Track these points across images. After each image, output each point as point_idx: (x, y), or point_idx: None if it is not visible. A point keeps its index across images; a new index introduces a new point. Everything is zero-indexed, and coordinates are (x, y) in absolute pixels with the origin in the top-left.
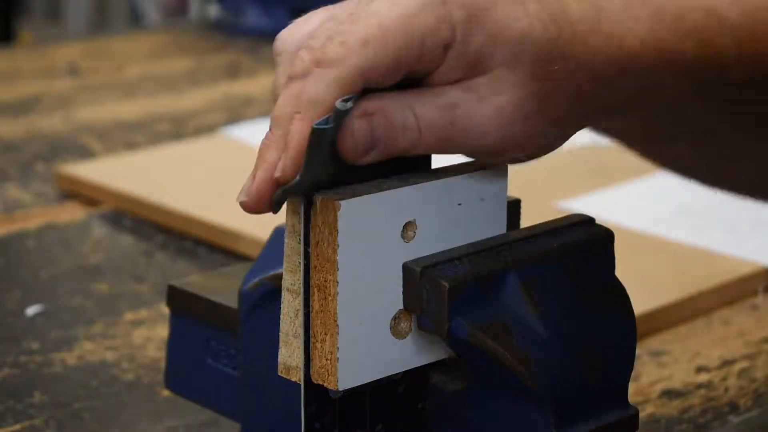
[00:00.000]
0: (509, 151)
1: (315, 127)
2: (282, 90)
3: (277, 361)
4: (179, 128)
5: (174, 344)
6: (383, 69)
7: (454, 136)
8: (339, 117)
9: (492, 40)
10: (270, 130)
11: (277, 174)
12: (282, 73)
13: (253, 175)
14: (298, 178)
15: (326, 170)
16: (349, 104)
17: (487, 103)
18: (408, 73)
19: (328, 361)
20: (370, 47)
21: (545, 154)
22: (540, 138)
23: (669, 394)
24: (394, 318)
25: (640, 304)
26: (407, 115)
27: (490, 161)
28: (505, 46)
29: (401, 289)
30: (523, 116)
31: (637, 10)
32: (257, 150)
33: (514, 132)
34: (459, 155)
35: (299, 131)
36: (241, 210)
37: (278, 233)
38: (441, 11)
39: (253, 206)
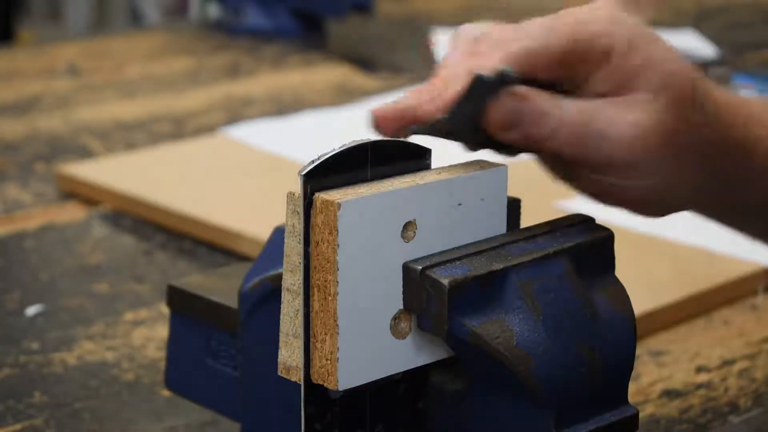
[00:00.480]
0: (632, 173)
1: (478, 73)
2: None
3: (277, 361)
4: (179, 128)
5: (174, 344)
6: (550, 55)
7: (589, 136)
8: (501, 79)
9: (647, 65)
10: (428, 82)
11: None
12: (457, 48)
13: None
14: (441, 116)
15: (466, 127)
16: (511, 70)
17: (625, 116)
18: (569, 71)
19: (328, 361)
20: (545, 31)
21: (662, 212)
22: (661, 179)
23: (669, 394)
24: (394, 318)
25: (640, 304)
26: (552, 105)
27: (611, 183)
28: (656, 74)
29: (401, 289)
30: (652, 140)
31: None
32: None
33: (641, 154)
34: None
35: (462, 85)
36: (241, 210)
37: (278, 233)
38: (611, 25)
39: (380, 123)
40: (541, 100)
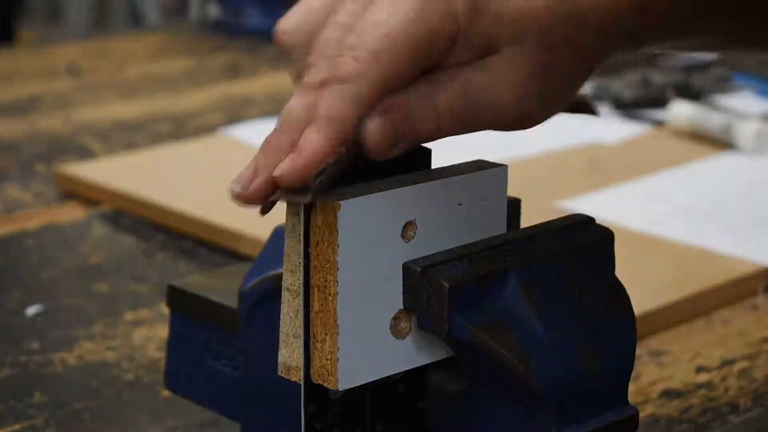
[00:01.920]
0: (528, 121)
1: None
2: (295, 94)
3: (277, 361)
4: (179, 128)
5: (174, 344)
6: (398, 77)
7: (473, 116)
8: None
9: (496, 22)
10: (278, 130)
11: (277, 173)
12: (296, 70)
13: (253, 170)
14: (316, 183)
15: (342, 173)
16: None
17: (500, 79)
18: (423, 70)
19: (328, 361)
20: (383, 60)
21: (556, 113)
22: (555, 101)
23: (669, 394)
24: (394, 318)
25: (640, 304)
26: (424, 104)
27: (505, 129)
28: (509, 26)
29: (401, 289)
30: (536, 87)
31: None
32: (260, 146)
33: (530, 104)
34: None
35: (314, 144)
36: (241, 210)
37: (278, 233)
38: (442, 6)
39: (248, 200)
40: (412, 103)
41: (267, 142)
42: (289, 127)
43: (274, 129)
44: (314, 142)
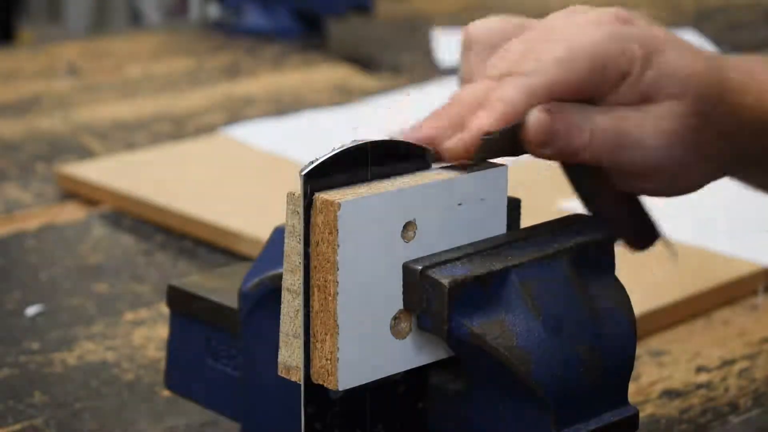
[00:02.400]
0: (664, 174)
1: (485, 137)
2: (474, 80)
3: (277, 361)
4: (179, 128)
5: (174, 344)
6: (569, 86)
7: (622, 145)
8: (511, 133)
9: (664, 76)
10: (448, 105)
11: (447, 145)
12: (472, 62)
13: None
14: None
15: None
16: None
17: (654, 123)
18: (587, 95)
19: (328, 361)
20: (562, 66)
21: (692, 190)
22: (691, 168)
23: (669, 394)
24: (394, 318)
25: (640, 304)
26: (583, 118)
27: (644, 186)
28: (674, 82)
29: (401, 289)
30: (681, 143)
31: None
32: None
33: (672, 155)
34: (618, 174)
35: (482, 121)
36: (242, 210)
37: (278, 233)
38: (623, 45)
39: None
40: (572, 113)
41: (436, 111)
42: (459, 104)
43: (444, 104)
44: (482, 120)
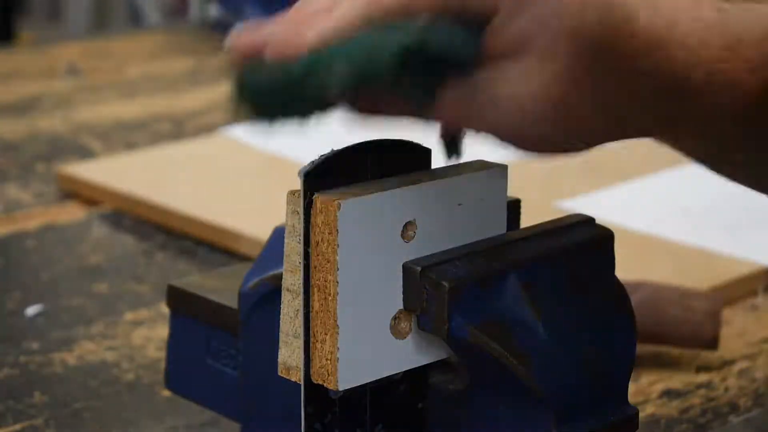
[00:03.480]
0: (528, 143)
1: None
2: None
3: (277, 361)
4: (179, 128)
5: (174, 344)
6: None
7: (472, 119)
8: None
9: (535, 25)
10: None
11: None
12: None
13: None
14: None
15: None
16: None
17: (511, 84)
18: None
19: (328, 361)
20: None
21: (578, 151)
22: (560, 138)
23: (669, 394)
24: (394, 318)
25: None
26: None
27: (513, 145)
28: (548, 38)
29: (401, 289)
30: (545, 113)
31: (713, 36)
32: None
33: (534, 126)
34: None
35: (345, 8)
36: (242, 210)
37: (278, 233)
38: None
39: (235, 46)
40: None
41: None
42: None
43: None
44: (346, 7)
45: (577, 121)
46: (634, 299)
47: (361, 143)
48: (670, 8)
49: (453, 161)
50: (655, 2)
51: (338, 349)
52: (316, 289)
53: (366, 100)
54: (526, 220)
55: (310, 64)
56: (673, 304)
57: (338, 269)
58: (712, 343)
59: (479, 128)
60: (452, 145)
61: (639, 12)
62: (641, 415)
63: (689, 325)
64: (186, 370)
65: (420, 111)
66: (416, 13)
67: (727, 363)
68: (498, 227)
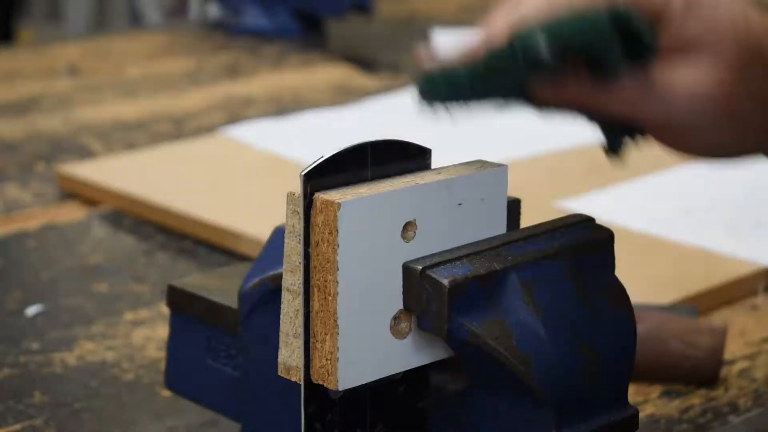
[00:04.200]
0: (692, 134)
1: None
2: None
3: (277, 361)
4: (179, 128)
5: (174, 344)
6: None
7: (647, 99)
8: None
9: (705, 28)
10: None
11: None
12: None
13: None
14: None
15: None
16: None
17: (685, 78)
18: None
19: (328, 361)
20: None
21: (726, 157)
22: (723, 133)
23: (669, 394)
24: (394, 318)
25: None
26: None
27: (673, 143)
28: (714, 36)
29: (401, 289)
30: (713, 102)
31: None
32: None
33: (701, 114)
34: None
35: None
36: (241, 210)
37: (278, 233)
38: None
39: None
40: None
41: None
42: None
43: None
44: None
45: (740, 116)
46: (639, 329)
47: (361, 143)
48: None
49: (613, 160)
50: None
51: (338, 349)
52: (316, 289)
53: (551, 86)
54: (526, 220)
55: (513, 42)
56: (676, 338)
57: (338, 269)
58: (712, 381)
59: (651, 119)
60: (616, 141)
61: None
62: (641, 415)
63: (690, 362)
64: (186, 370)
65: (602, 93)
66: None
67: (727, 363)
68: (498, 227)
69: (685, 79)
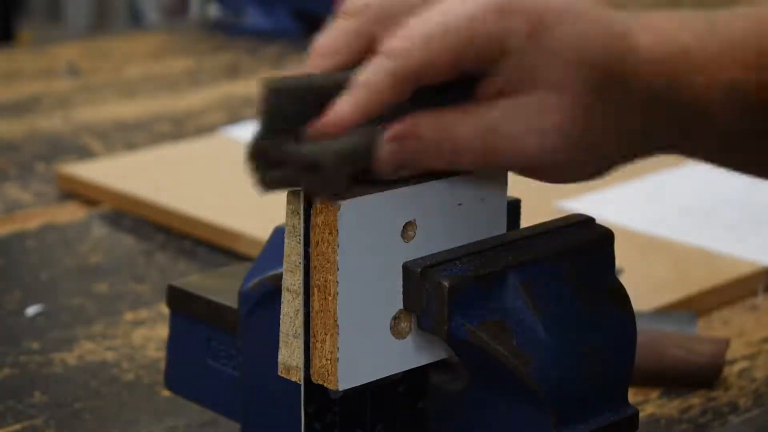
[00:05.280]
0: (552, 170)
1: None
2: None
3: (277, 361)
4: (179, 128)
5: (174, 344)
6: (439, 67)
7: (492, 158)
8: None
9: (546, 60)
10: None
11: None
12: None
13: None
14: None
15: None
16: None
17: (528, 119)
18: (464, 71)
19: (328, 361)
20: (429, 45)
21: (597, 176)
22: (587, 160)
23: (669, 394)
24: (394, 318)
25: (640, 304)
26: (443, 138)
27: (538, 178)
28: (556, 69)
29: (401, 289)
30: (564, 143)
31: (711, 44)
32: None
33: (555, 156)
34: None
35: (342, 108)
36: (241, 210)
37: (278, 233)
38: (505, 21)
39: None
40: (428, 133)
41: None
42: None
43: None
44: (343, 106)
45: (596, 147)
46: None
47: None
48: (665, 27)
49: None
50: (650, 23)
51: (338, 349)
52: (316, 289)
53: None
54: (526, 220)
55: None
56: (676, 345)
57: (338, 269)
58: (711, 384)
59: (500, 164)
60: None
61: (640, 37)
62: (641, 415)
63: (691, 367)
64: (186, 370)
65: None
66: (435, 74)
67: (727, 363)
68: (498, 227)
69: (529, 117)
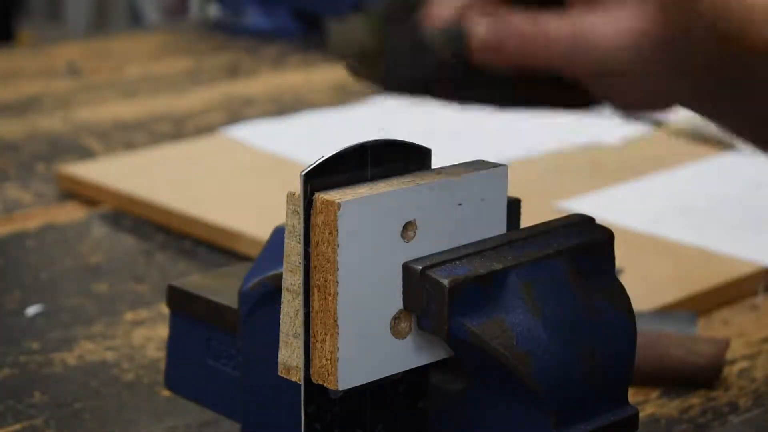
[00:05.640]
0: (625, 80)
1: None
2: None
3: (277, 361)
4: (179, 128)
5: (174, 344)
6: None
7: (582, 56)
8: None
9: None
10: None
11: None
12: None
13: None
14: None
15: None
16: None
17: (613, 25)
18: None
19: (328, 361)
20: None
21: (659, 106)
22: (657, 78)
23: (669, 394)
24: (394, 318)
25: (640, 304)
26: (537, 32)
27: (605, 92)
28: None
29: (401, 289)
30: (643, 46)
31: None
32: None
33: (632, 59)
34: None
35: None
36: (241, 210)
37: (278, 233)
38: None
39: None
40: (521, 20)
41: None
42: None
43: None
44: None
45: (673, 64)
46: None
47: (361, 143)
48: None
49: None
50: None
51: (338, 349)
52: (316, 289)
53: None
54: (526, 220)
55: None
56: (676, 345)
57: (338, 269)
58: (711, 384)
59: (587, 63)
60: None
61: None
62: (641, 415)
63: (691, 367)
64: (186, 370)
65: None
66: None
67: (727, 363)
68: (498, 227)
69: (615, 24)
